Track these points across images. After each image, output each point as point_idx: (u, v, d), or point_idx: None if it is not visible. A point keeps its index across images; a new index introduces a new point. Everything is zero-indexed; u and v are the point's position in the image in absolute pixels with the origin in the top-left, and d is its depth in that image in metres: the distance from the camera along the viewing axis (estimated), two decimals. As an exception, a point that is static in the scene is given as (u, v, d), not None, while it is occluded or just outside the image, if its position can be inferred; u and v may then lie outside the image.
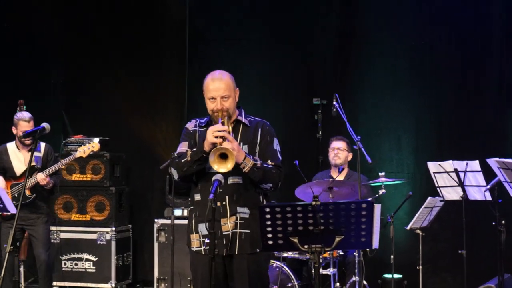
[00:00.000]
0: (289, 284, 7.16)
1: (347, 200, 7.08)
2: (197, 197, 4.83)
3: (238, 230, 4.70)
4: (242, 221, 4.70)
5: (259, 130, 4.86)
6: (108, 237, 8.50)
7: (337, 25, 8.89)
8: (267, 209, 4.28)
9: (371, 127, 8.68)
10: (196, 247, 4.82)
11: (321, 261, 7.00)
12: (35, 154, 7.36)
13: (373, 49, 8.72)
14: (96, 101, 9.28)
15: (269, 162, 4.76)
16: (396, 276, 8.06)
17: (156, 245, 8.46)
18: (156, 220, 8.49)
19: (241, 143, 4.78)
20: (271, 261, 7.20)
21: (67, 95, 9.40)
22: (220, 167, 4.56)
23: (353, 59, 8.83)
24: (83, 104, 9.34)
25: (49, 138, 8.78)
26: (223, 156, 4.58)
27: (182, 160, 4.75)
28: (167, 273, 8.24)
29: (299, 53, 8.99)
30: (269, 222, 4.30)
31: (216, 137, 4.59)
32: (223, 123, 4.73)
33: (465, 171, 6.45)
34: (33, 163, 7.32)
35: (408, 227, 7.45)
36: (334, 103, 7.07)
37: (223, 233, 4.72)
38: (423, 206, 7.28)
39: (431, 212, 7.36)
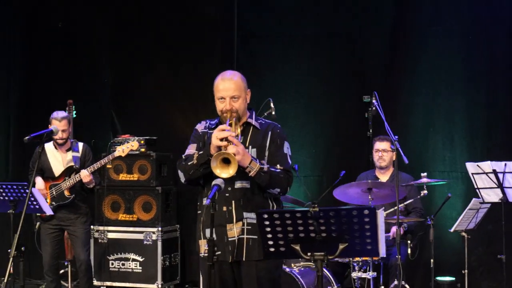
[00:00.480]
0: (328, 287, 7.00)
1: (385, 202, 6.99)
2: (205, 201, 4.72)
3: (245, 236, 4.60)
4: (250, 227, 4.60)
5: (269, 133, 4.73)
6: (154, 237, 8.47)
7: (389, 20, 8.65)
8: (265, 215, 4.12)
9: (423, 125, 8.41)
10: (204, 253, 4.71)
11: (360, 264, 6.87)
12: (73, 154, 7.40)
13: (425, 46, 8.44)
14: (144, 101, 9.27)
15: (278, 166, 4.63)
16: (449, 279, 7.81)
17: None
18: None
19: (250, 147, 4.67)
20: (309, 263, 7.04)
21: (116, 95, 9.42)
22: (222, 173, 4.45)
23: (405, 56, 8.56)
24: (131, 104, 9.35)
25: (100, 138, 8.89)
26: (226, 161, 4.46)
27: (189, 163, 4.67)
28: (213, 274, 8.14)
29: (351, 49, 8.79)
30: (268, 229, 4.15)
31: (222, 140, 4.48)
32: (230, 125, 4.62)
33: (504, 172, 6.11)
34: (72, 163, 7.35)
35: (452, 229, 7.16)
36: (373, 101, 6.87)
37: (229, 239, 4.62)
38: (467, 208, 6.97)
39: (477, 214, 7.03)
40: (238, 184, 4.61)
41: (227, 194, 4.60)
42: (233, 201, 4.60)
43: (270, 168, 4.56)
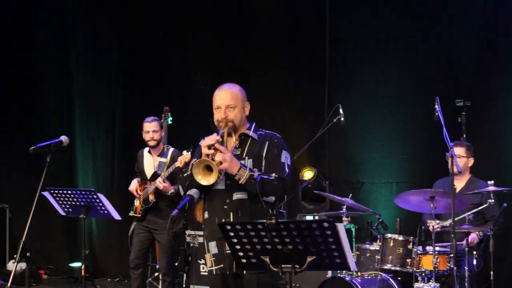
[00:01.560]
0: (394, 296, 6.83)
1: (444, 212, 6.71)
2: (206, 215, 4.81)
3: None
4: None
5: (266, 143, 4.77)
6: (243, 241, 8.57)
7: (482, 23, 8.33)
8: (228, 227, 4.13)
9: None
10: (209, 267, 4.79)
11: (423, 274, 6.66)
12: (161, 159, 7.64)
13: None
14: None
15: (273, 174, 4.61)
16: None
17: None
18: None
19: (246, 157, 4.71)
20: (376, 272, 6.91)
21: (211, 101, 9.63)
22: (203, 179, 4.52)
23: (499, 59, 8.19)
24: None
25: (196, 145, 9.13)
26: (210, 168, 4.51)
27: (185, 175, 4.76)
28: (297, 280, 8.14)
29: (442, 53, 8.56)
30: (235, 240, 4.15)
31: (209, 147, 4.55)
32: (222, 135, 4.67)
33: None
34: (156, 169, 7.62)
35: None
36: (436, 106, 6.62)
37: (226, 252, 4.63)
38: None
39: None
40: (235, 196, 4.66)
41: (225, 207, 4.66)
42: (231, 213, 4.66)
43: (262, 175, 4.55)
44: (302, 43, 9.19)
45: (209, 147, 4.59)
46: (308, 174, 8.46)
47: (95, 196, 6.87)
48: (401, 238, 6.87)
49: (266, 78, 9.29)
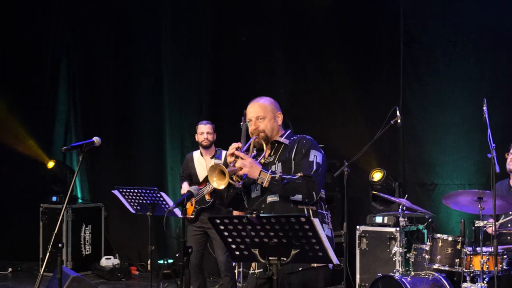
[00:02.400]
0: (447, 298, 6.88)
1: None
2: None
3: None
4: None
5: (295, 145, 4.92)
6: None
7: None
8: (217, 221, 4.39)
9: None
10: (252, 270, 4.99)
11: (472, 275, 6.68)
12: (216, 161, 7.99)
13: None
14: (318, 108, 9.62)
15: (298, 174, 4.77)
16: None
17: (358, 251, 8.56)
18: (357, 226, 8.59)
19: (277, 162, 4.89)
20: (428, 272, 6.98)
21: (292, 103, 9.89)
22: (217, 183, 4.75)
23: None
24: (306, 112, 9.75)
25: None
26: (224, 173, 4.77)
27: None
28: (368, 280, 8.26)
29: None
30: (226, 233, 4.40)
31: (232, 155, 4.81)
32: (249, 144, 4.91)
33: None
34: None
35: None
36: (484, 108, 6.62)
37: None
38: None
39: None
40: (269, 199, 4.85)
41: (262, 212, 4.82)
42: None
43: (284, 175, 4.73)
44: (376, 44, 9.27)
45: (232, 154, 4.85)
46: (377, 176, 8.56)
47: (158, 195, 7.29)
48: (450, 238, 6.91)
49: (339, 79, 9.43)
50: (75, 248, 10.18)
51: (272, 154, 4.98)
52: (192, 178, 8.10)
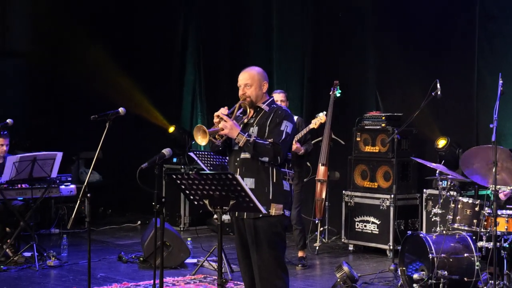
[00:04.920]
0: (466, 254, 7.44)
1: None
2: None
3: None
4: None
5: (272, 114, 5.80)
6: (388, 203, 9.52)
7: None
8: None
9: None
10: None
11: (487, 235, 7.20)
12: None
13: None
14: (402, 80, 10.23)
15: (270, 140, 5.65)
16: None
17: (424, 213, 9.21)
18: (424, 190, 9.23)
19: (254, 125, 5.82)
20: (458, 231, 7.53)
21: (381, 76, 10.57)
22: (200, 140, 5.70)
23: None
24: (391, 84, 10.39)
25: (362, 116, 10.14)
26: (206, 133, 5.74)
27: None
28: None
29: None
30: (183, 187, 5.45)
31: (217, 117, 5.76)
32: (234, 108, 5.87)
33: None
34: None
35: None
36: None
37: None
38: None
39: None
40: (242, 155, 5.78)
41: (236, 163, 5.80)
42: (238, 168, 5.77)
43: (257, 140, 5.63)
44: (451, 20, 9.70)
45: (217, 116, 5.86)
46: (441, 143, 9.11)
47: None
48: (470, 201, 7.44)
49: (428, 53, 9.95)
50: (192, 205, 11.42)
51: (253, 116, 5.86)
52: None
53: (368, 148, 9.91)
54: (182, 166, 11.49)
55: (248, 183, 5.63)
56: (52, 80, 12.53)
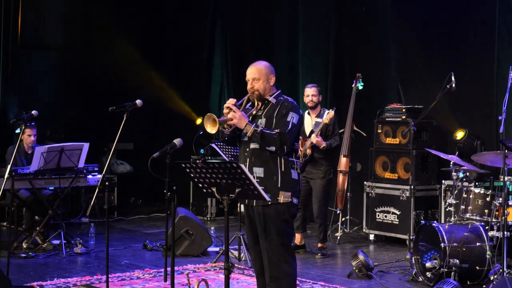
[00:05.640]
0: (478, 244, 7.58)
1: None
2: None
3: None
4: (258, 180, 5.86)
5: (279, 106, 6.04)
6: (407, 194, 9.67)
7: None
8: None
9: None
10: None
11: (498, 224, 7.34)
12: (317, 120, 9.04)
13: None
14: (420, 75, 10.36)
15: (276, 130, 5.88)
16: None
17: (443, 203, 9.34)
18: (443, 181, 9.37)
19: (262, 117, 6.05)
20: (471, 221, 7.67)
21: (401, 69, 10.69)
22: (209, 129, 5.93)
23: None
24: (413, 78, 10.52)
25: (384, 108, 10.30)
26: (216, 121, 5.97)
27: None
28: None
29: None
30: (192, 175, 5.69)
31: (227, 108, 6.00)
32: (243, 100, 6.10)
33: None
34: (313, 127, 9.07)
35: None
36: None
37: None
38: None
39: None
40: (251, 146, 6.02)
41: (245, 154, 6.05)
42: (247, 159, 6.03)
43: (264, 130, 5.86)
44: (471, 13, 9.80)
45: (227, 107, 6.10)
46: (459, 134, 9.22)
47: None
48: (482, 191, 7.57)
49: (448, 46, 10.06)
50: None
51: (261, 109, 6.10)
52: (302, 133, 9.17)
53: (389, 140, 10.07)
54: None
55: (257, 172, 5.92)
56: (85, 73, 12.86)
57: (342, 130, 9.97)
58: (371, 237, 10.15)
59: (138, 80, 12.78)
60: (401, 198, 9.75)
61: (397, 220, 9.80)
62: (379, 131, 10.15)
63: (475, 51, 9.84)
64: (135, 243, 9.87)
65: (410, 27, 10.53)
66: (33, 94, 12.47)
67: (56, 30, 13.25)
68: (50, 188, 9.45)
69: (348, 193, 10.19)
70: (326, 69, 11.58)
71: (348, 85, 10.35)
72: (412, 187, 9.56)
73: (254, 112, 6.13)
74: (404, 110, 9.89)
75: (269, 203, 5.82)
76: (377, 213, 10.07)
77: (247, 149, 6.04)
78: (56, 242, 9.22)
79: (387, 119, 10.11)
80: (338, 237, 10.05)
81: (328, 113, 8.86)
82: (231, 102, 6.01)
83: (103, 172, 6.96)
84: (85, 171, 9.44)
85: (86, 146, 9.17)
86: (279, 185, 5.90)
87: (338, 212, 10.15)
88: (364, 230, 10.25)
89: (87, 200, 11.58)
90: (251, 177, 5.39)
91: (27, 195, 9.41)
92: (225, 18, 13.08)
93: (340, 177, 9.99)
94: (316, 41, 11.76)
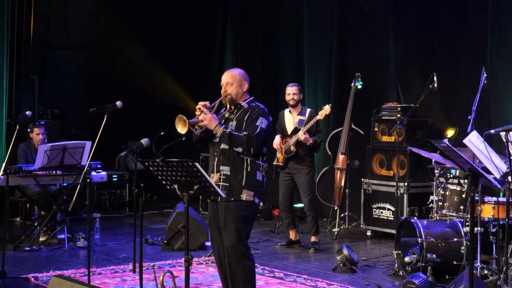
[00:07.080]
0: (455, 239, 7.80)
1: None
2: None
3: (220, 183, 6.28)
4: (224, 177, 6.29)
5: (250, 110, 6.40)
6: (402, 190, 9.88)
7: None
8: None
9: None
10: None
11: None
12: (300, 117, 9.38)
13: None
14: (422, 73, 10.51)
15: (244, 133, 6.24)
16: None
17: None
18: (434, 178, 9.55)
19: (234, 120, 6.41)
20: (450, 217, 7.88)
21: (400, 68, 10.87)
22: (181, 130, 6.26)
23: None
24: (413, 78, 10.69)
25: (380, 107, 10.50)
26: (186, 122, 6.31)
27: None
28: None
29: None
30: (156, 173, 6.02)
31: (199, 109, 6.37)
32: (215, 104, 6.46)
33: None
34: (297, 125, 9.38)
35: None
36: None
37: None
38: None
39: None
40: (221, 146, 6.37)
41: (215, 153, 6.42)
42: (216, 158, 6.40)
43: (233, 131, 6.23)
44: (462, 13, 9.95)
45: (199, 109, 6.44)
46: (450, 133, 9.41)
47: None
48: (458, 188, 7.78)
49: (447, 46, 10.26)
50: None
51: (234, 112, 6.46)
52: (283, 131, 9.53)
53: (385, 138, 10.29)
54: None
55: (224, 170, 6.30)
56: (108, 73, 13.35)
57: (340, 129, 10.25)
58: (368, 232, 10.38)
59: (152, 81, 13.27)
60: (395, 194, 9.95)
61: (392, 216, 10.01)
62: (376, 129, 10.38)
63: (468, 51, 9.98)
64: (138, 237, 10.19)
65: (409, 27, 10.74)
66: (55, 92, 13.09)
67: (82, 30, 13.89)
68: (55, 184, 9.85)
69: (347, 190, 10.44)
70: (330, 68, 11.81)
71: (348, 84, 10.59)
72: (405, 184, 9.78)
73: (226, 115, 6.49)
74: (399, 108, 10.10)
75: (232, 199, 6.19)
76: (374, 209, 10.30)
77: (217, 149, 6.39)
78: (63, 236, 9.62)
79: (383, 118, 10.33)
80: (335, 233, 10.30)
81: (324, 109, 9.12)
82: (202, 104, 6.34)
83: (86, 167, 7.28)
84: (89, 168, 9.81)
85: (88, 144, 9.55)
86: (243, 184, 6.25)
87: (335, 208, 10.40)
88: (361, 226, 10.48)
89: (99, 196, 12.01)
90: (205, 174, 5.70)
91: (37, 190, 9.81)
92: (236, 19, 13.41)
93: (338, 174, 10.28)
94: (320, 40, 12.00)
